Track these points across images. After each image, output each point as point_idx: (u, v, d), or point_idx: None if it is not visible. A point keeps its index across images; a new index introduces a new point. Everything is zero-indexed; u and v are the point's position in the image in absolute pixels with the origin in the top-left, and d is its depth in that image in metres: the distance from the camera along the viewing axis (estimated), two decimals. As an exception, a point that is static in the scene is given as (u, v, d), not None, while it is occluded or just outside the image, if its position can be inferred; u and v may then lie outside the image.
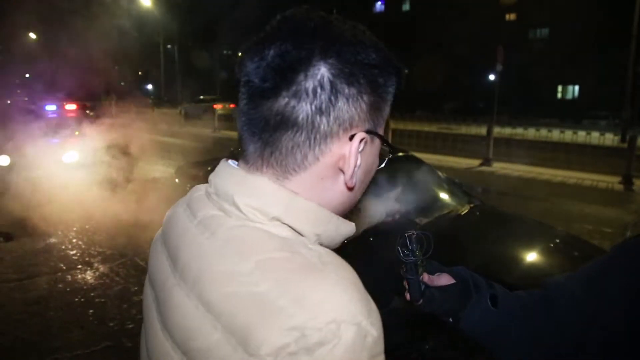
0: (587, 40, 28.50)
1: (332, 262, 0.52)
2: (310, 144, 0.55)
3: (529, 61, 29.59)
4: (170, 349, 0.56)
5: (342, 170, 0.57)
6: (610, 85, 26.06)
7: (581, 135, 14.23)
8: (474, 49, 29.02)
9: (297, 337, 0.44)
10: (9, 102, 8.30)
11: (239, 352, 0.46)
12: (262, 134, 0.57)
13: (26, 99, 8.18)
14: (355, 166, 0.57)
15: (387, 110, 0.61)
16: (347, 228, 0.61)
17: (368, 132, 0.58)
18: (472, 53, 29.44)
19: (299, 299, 0.46)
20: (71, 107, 8.99)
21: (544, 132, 14.71)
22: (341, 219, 0.60)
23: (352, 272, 0.52)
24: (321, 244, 0.57)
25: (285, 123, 0.55)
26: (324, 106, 0.54)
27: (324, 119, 0.54)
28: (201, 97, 28.30)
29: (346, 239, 0.62)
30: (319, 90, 0.54)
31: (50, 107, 8.44)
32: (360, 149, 0.57)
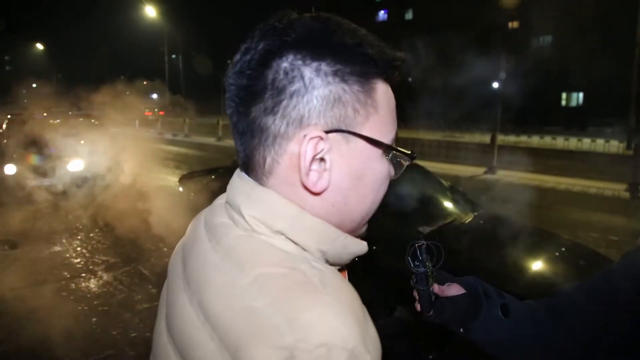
0: (591, 47, 28.50)
1: (333, 283, 0.50)
2: (264, 146, 0.55)
3: (532, 69, 29.60)
4: (171, 352, 0.56)
5: None
6: (615, 92, 25.99)
7: (586, 143, 14.21)
8: (477, 57, 29.08)
9: (285, 357, 0.43)
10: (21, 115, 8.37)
11: None
12: (238, 141, 0.58)
13: (33, 108, 8.24)
14: (308, 166, 0.53)
15: (368, 105, 0.55)
16: (357, 247, 0.59)
17: (333, 130, 0.53)
18: (476, 61, 29.49)
19: (292, 319, 0.45)
20: (76, 116, 9.06)
21: (548, 140, 14.68)
22: (350, 237, 0.58)
23: (352, 295, 0.51)
24: (327, 261, 0.56)
25: (245, 127, 0.56)
26: (268, 106, 0.53)
27: (270, 119, 0.53)
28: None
29: (356, 257, 0.60)
30: (262, 90, 0.53)
31: (56, 116, 8.50)
32: (322, 149, 0.53)
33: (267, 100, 0.53)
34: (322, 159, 0.54)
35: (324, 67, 0.53)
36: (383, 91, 0.57)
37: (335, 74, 0.53)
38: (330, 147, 0.53)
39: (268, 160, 0.55)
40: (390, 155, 0.58)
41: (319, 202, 0.56)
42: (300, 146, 0.53)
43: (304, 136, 0.52)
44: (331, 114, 0.53)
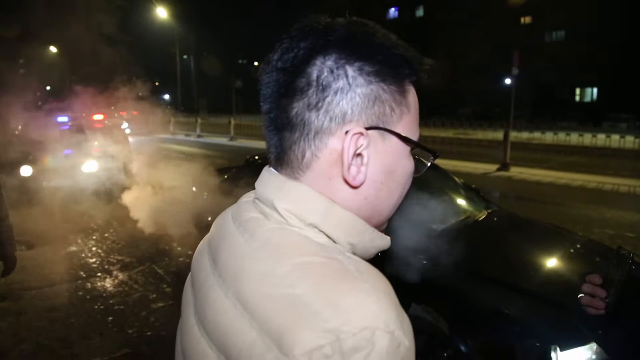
0: (605, 41, 28.08)
1: (368, 271, 0.52)
2: (304, 140, 0.57)
3: (545, 64, 29.27)
4: (206, 346, 0.57)
5: None
6: (629, 87, 25.59)
7: (600, 139, 13.99)
8: (490, 53, 28.82)
9: (331, 340, 0.44)
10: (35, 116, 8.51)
11: (274, 351, 0.47)
12: (274, 137, 0.60)
13: (47, 110, 8.37)
14: (350, 161, 0.56)
15: (402, 105, 0.59)
16: (382, 241, 0.62)
17: (372, 127, 0.57)
18: (488, 57, 29.23)
19: (334, 304, 0.46)
20: (90, 117, 9.17)
21: (562, 136, 14.50)
22: (376, 232, 0.61)
23: (386, 282, 0.53)
24: (354, 254, 0.58)
25: (285, 122, 0.58)
26: (312, 101, 0.55)
27: (314, 114, 0.56)
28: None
29: (380, 252, 0.62)
30: (306, 87, 0.56)
31: (70, 118, 8.61)
32: (362, 145, 0.56)
33: (312, 96, 0.55)
34: (359, 154, 0.56)
35: (366, 66, 0.56)
36: (413, 93, 0.61)
37: (376, 73, 0.56)
38: (369, 143, 0.56)
39: (307, 154, 0.57)
40: (416, 153, 0.62)
41: (353, 195, 0.58)
42: (343, 141, 0.55)
43: (346, 132, 0.55)
44: (371, 111, 0.56)
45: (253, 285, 0.52)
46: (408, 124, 0.60)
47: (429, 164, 0.65)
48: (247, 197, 0.67)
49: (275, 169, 0.62)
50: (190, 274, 0.72)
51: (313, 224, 0.57)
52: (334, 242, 0.57)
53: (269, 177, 0.62)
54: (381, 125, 0.57)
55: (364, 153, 0.56)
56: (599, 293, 0.98)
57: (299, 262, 0.51)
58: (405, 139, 0.59)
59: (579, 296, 1.00)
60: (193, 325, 0.62)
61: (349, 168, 0.56)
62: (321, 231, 0.57)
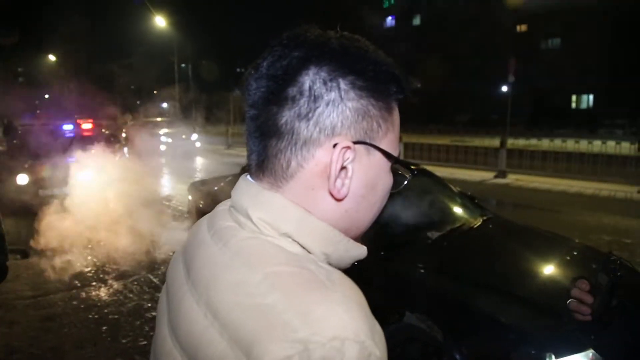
0: (600, 48, 28.28)
1: (340, 281, 0.52)
2: (291, 150, 0.56)
3: (541, 71, 29.45)
4: (177, 355, 0.57)
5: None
6: (625, 94, 25.75)
7: (597, 145, 14.01)
8: (486, 61, 28.98)
9: (300, 350, 0.44)
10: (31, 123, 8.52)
11: None
12: (258, 143, 0.59)
13: (44, 119, 8.38)
14: (337, 174, 0.56)
15: (388, 122, 0.60)
16: (358, 251, 0.61)
17: (359, 142, 0.57)
18: (484, 65, 29.40)
19: (304, 314, 0.46)
20: (87, 126, 9.17)
21: (558, 143, 14.53)
22: (352, 242, 0.60)
23: (358, 292, 0.52)
24: (330, 264, 0.57)
25: (271, 130, 0.57)
26: (303, 111, 0.55)
27: (303, 124, 0.55)
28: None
29: (356, 262, 0.62)
30: (298, 96, 0.55)
31: (68, 127, 8.61)
32: (348, 158, 0.56)
33: (302, 106, 0.55)
34: (344, 167, 0.57)
35: (358, 81, 0.56)
36: (397, 111, 0.62)
37: (367, 89, 0.57)
38: (355, 157, 0.57)
39: (293, 163, 0.57)
40: (396, 168, 0.63)
41: (335, 207, 0.59)
42: (331, 154, 0.55)
43: (334, 145, 0.55)
44: (360, 126, 0.57)
45: (224, 294, 0.52)
46: (391, 141, 0.61)
47: (405, 182, 0.66)
48: (224, 205, 0.67)
49: (256, 176, 0.61)
50: (165, 283, 0.71)
51: (287, 234, 0.56)
52: (308, 252, 0.57)
53: (245, 186, 0.62)
54: (368, 141, 0.58)
55: (349, 167, 0.57)
56: (586, 299, 0.97)
57: (270, 272, 0.51)
58: (388, 155, 0.60)
59: (568, 302, 1.00)
60: (166, 335, 0.61)
61: (335, 181, 0.56)
62: (295, 241, 0.57)
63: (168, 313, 0.63)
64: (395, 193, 0.65)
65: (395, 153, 0.61)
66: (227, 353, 0.48)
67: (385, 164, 0.60)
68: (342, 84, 0.55)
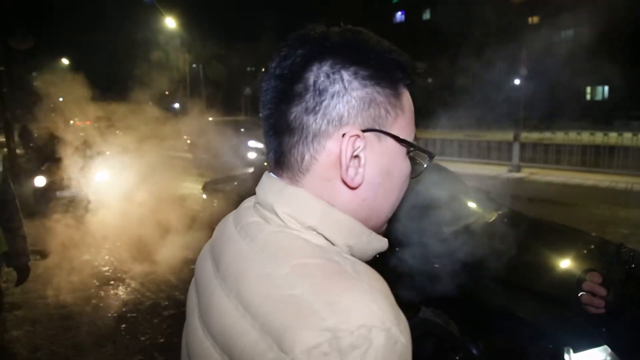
0: (614, 39, 27.79)
1: (365, 271, 0.54)
2: (303, 144, 0.59)
3: (555, 64, 29.04)
4: (210, 347, 0.59)
5: None
6: (641, 85, 25.25)
7: (612, 137, 13.80)
8: (498, 54, 28.68)
9: (329, 338, 0.45)
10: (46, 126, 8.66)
11: (274, 350, 0.48)
12: (274, 141, 0.62)
13: (59, 121, 8.50)
14: (348, 162, 0.57)
15: (397, 108, 0.61)
16: (379, 243, 0.63)
17: (368, 130, 0.58)
18: (496, 58, 29.08)
19: (332, 303, 0.48)
20: (101, 127, 9.26)
21: (573, 135, 14.33)
22: (374, 234, 0.62)
23: (383, 282, 0.54)
24: (353, 255, 0.59)
25: (283, 127, 0.60)
26: (310, 105, 0.57)
27: (312, 118, 0.58)
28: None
29: (378, 254, 0.64)
30: (304, 92, 0.58)
31: (82, 128, 8.73)
32: (359, 147, 0.57)
33: (309, 101, 0.57)
34: (356, 156, 0.58)
35: (361, 71, 0.58)
36: (407, 96, 0.63)
37: (370, 77, 0.58)
38: (365, 145, 0.58)
39: (306, 157, 0.59)
40: (412, 154, 0.64)
41: (352, 197, 0.60)
42: (340, 144, 0.57)
43: (344, 134, 0.57)
44: (367, 114, 0.58)
45: (254, 286, 0.54)
46: (403, 126, 0.62)
47: (425, 166, 0.67)
48: (248, 202, 0.69)
49: (275, 173, 0.64)
50: (193, 278, 0.73)
51: (311, 227, 0.58)
52: (332, 244, 0.58)
53: (269, 182, 0.64)
54: (377, 127, 0.59)
55: (361, 155, 0.58)
56: (599, 291, 0.96)
57: (297, 264, 0.53)
58: (400, 140, 0.61)
59: (579, 294, 0.99)
60: (198, 327, 0.63)
61: (347, 170, 0.58)
62: (319, 234, 0.58)
63: (199, 307, 0.65)
64: (409, 189, 0.66)
65: (409, 138, 0.62)
66: (259, 343, 0.50)
67: (399, 150, 0.61)
68: (345, 75, 0.57)
